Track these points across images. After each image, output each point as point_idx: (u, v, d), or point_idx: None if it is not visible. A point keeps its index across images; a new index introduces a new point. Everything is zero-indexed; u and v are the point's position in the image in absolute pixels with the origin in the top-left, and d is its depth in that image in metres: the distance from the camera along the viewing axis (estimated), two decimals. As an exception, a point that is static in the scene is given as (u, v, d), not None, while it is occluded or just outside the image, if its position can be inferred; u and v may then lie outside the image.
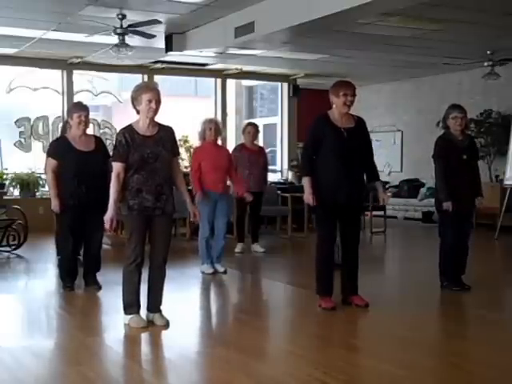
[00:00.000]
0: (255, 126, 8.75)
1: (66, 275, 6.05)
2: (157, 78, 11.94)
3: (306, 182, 5.18)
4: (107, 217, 4.61)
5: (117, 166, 4.61)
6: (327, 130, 5.12)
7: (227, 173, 7.08)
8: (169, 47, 9.97)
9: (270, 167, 9.68)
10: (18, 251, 8.44)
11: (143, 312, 4.80)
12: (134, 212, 4.60)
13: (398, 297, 6.16)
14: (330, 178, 5.09)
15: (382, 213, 10.49)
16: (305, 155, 5.33)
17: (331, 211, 5.16)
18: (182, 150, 11.66)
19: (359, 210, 5.49)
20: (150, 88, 4.64)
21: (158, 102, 4.59)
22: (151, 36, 8.88)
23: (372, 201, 9.22)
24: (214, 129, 6.96)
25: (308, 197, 5.13)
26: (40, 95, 11.85)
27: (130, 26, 8.58)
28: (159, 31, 9.28)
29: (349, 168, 5.09)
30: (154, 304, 4.79)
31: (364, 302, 5.29)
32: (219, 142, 7.38)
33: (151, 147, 4.61)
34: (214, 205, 6.89)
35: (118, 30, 8.65)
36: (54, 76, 11.77)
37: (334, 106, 5.20)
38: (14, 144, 11.42)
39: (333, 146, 5.09)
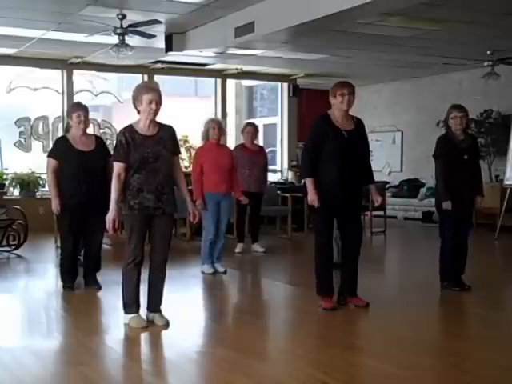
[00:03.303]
0: (254, 126, 8.73)
1: (66, 275, 6.05)
2: (157, 78, 11.94)
3: (308, 183, 5.15)
4: (109, 218, 4.60)
5: (117, 166, 4.61)
6: (328, 131, 5.11)
7: (230, 173, 7.06)
8: (169, 47, 9.97)
9: (270, 167, 9.67)
10: (18, 251, 8.43)
11: (143, 312, 4.80)
12: (134, 212, 4.60)
13: (397, 297, 6.16)
14: (331, 179, 5.07)
15: (382, 213, 10.48)
16: (306, 156, 5.30)
17: (331, 211, 5.15)
18: (182, 150, 11.67)
19: (360, 209, 5.49)
20: (152, 89, 4.63)
21: (159, 103, 4.59)
22: (151, 36, 8.88)
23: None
24: (217, 128, 6.95)
25: (313, 198, 5.10)
26: (40, 95, 11.85)
27: (130, 25, 8.58)
28: (159, 31, 9.28)
29: (349, 168, 5.08)
30: (154, 304, 4.79)
31: (364, 302, 5.28)
32: (221, 141, 7.35)
33: (151, 147, 4.61)
34: (218, 206, 6.89)
35: (118, 30, 8.64)
36: (54, 76, 11.77)
37: (333, 107, 5.20)
38: (14, 144, 11.42)
39: (333, 147, 5.08)
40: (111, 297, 5.61)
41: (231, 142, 11.55)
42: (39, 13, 8.35)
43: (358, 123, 5.26)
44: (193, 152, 11.16)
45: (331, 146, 5.08)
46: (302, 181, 5.33)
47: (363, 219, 8.62)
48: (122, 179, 4.60)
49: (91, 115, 6.35)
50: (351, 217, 5.24)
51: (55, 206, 5.86)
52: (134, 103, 4.65)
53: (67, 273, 6.05)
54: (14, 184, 11.11)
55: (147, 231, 4.70)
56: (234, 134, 13.08)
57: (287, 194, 10.09)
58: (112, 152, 4.98)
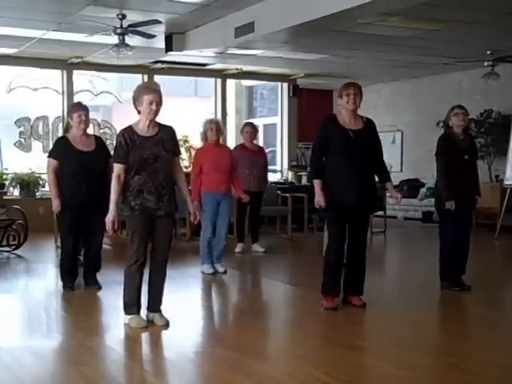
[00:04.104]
0: (253, 126, 8.72)
1: (66, 275, 6.05)
2: (157, 78, 11.94)
3: (315, 185, 5.16)
4: (108, 219, 4.60)
5: (117, 168, 4.61)
6: (334, 131, 5.12)
7: (230, 173, 7.05)
8: (169, 47, 9.97)
9: (270, 167, 9.67)
10: (18, 251, 8.43)
11: (143, 312, 4.80)
12: (135, 213, 4.60)
13: (397, 297, 6.16)
14: (338, 180, 5.08)
15: (382, 213, 10.48)
16: (313, 158, 5.33)
17: (341, 212, 5.15)
18: (182, 150, 11.67)
19: (369, 210, 5.48)
20: (152, 89, 4.61)
21: (159, 104, 4.58)
22: (151, 36, 8.88)
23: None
24: (215, 129, 6.94)
25: (319, 199, 5.12)
26: (40, 95, 11.86)
27: (130, 25, 8.58)
28: (159, 31, 9.28)
29: (357, 169, 5.08)
30: (155, 304, 4.79)
31: (361, 302, 5.28)
32: (221, 141, 7.35)
33: (151, 148, 4.60)
34: (217, 205, 6.88)
35: (118, 30, 8.65)
36: (54, 76, 11.77)
37: (340, 107, 5.22)
38: (14, 144, 11.42)
39: (340, 148, 5.09)
40: (111, 297, 5.62)
41: (231, 142, 11.56)
42: (39, 13, 8.35)
43: (368, 123, 5.25)
44: (193, 152, 11.17)
45: (337, 147, 5.09)
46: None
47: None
48: (122, 180, 4.60)
49: (91, 115, 6.35)
50: (359, 217, 5.23)
51: (56, 206, 5.86)
52: (134, 103, 4.65)
53: (67, 273, 6.05)
54: (14, 184, 11.12)
55: (149, 232, 4.69)
56: (234, 134, 13.09)
57: (287, 194, 10.10)
58: (112, 153, 4.98)
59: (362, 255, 5.29)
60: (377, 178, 5.39)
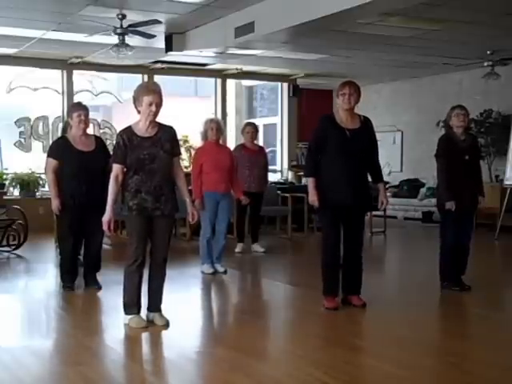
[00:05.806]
0: (254, 126, 8.72)
1: (66, 275, 6.05)
2: (157, 78, 11.93)
3: (309, 183, 5.17)
4: (105, 219, 4.61)
5: (115, 168, 4.62)
6: (331, 130, 5.13)
7: (229, 172, 7.06)
8: (169, 47, 9.97)
9: (270, 167, 9.67)
10: (18, 251, 8.43)
11: (143, 312, 4.80)
12: (133, 212, 4.60)
13: (398, 297, 6.16)
14: (333, 179, 5.08)
15: (382, 213, 10.48)
16: (308, 156, 5.34)
17: (336, 212, 5.15)
18: (182, 150, 11.66)
19: (364, 210, 5.48)
20: (152, 90, 4.59)
21: (159, 105, 4.57)
22: (151, 36, 8.88)
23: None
24: (215, 128, 6.95)
25: (313, 199, 5.13)
26: (40, 95, 11.86)
27: (130, 25, 8.59)
28: (159, 31, 9.29)
29: (353, 168, 5.09)
30: (154, 304, 4.79)
31: (361, 302, 5.27)
32: (221, 141, 7.36)
33: (148, 148, 4.60)
34: (216, 205, 6.88)
35: (118, 30, 8.65)
36: (54, 76, 11.78)
37: (338, 106, 5.23)
38: (14, 144, 11.43)
39: (336, 147, 5.09)
40: (111, 297, 5.62)
41: (231, 142, 11.57)
42: (39, 13, 8.35)
43: (365, 122, 5.27)
44: (193, 152, 11.16)
45: (334, 146, 5.10)
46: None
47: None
48: (120, 181, 4.61)
49: (91, 115, 6.35)
50: (355, 216, 5.23)
51: (55, 206, 5.86)
52: (134, 103, 4.65)
53: (67, 273, 6.05)
54: (14, 184, 11.12)
55: (148, 232, 4.69)
56: (234, 134, 13.09)
57: (287, 194, 10.10)
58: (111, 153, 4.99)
59: (358, 255, 5.28)
60: (370, 178, 5.38)
